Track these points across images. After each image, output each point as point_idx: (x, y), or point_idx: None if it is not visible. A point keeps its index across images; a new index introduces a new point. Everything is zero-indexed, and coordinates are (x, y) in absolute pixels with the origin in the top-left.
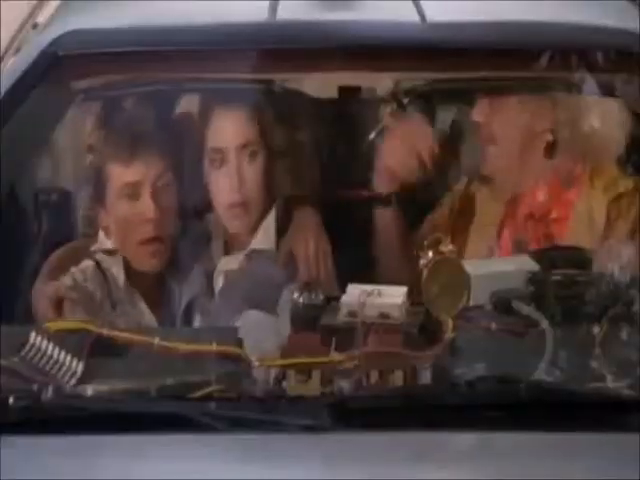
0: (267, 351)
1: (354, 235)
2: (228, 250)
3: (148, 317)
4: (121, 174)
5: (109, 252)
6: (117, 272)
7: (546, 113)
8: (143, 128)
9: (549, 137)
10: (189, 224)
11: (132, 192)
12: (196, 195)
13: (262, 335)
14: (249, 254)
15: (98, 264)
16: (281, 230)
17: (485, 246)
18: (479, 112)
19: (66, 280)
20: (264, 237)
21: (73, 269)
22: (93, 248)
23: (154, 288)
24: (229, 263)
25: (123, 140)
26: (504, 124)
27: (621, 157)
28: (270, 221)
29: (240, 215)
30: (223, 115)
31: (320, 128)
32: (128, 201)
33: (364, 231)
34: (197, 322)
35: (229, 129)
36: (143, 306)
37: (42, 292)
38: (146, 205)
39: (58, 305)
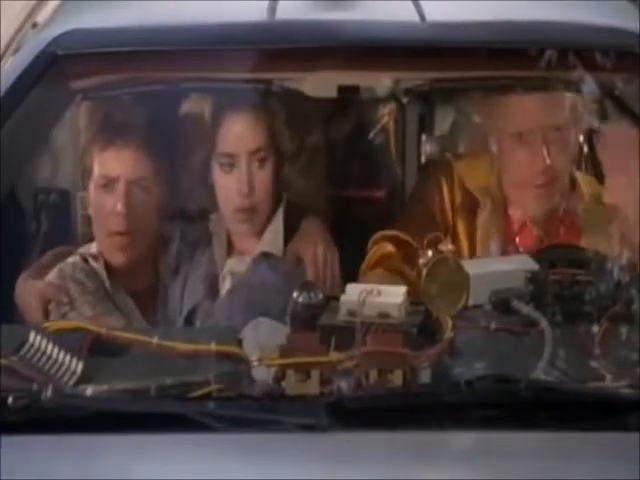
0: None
1: (358, 236)
2: (230, 252)
3: (139, 319)
4: (103, 164)
5: (93, 256)
6: (102, 275)
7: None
8: (134, 124)
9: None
10: (187, 226)
11: (109, 183)
12: (193, 197)
13: (271, 342)
14: (257, 257)
15: (86, 260)
16: (288, 233)
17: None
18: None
19: (53, 274)
20: (271, 240)
21: (60, 263)
22: (79, 250)
23: (148, 292)
24: (236, 265)
25: (115, 134)
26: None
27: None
28: (277, 224)
29: (247, 219)
30: (228, 119)
31: (321, 128)
32: (105, 191)
33: (364, 231)
34: (201, 323)
35: (239, 134)
36: (133, 309)
37: (27, 291)
38: (118, 198)
39: (45, 304)
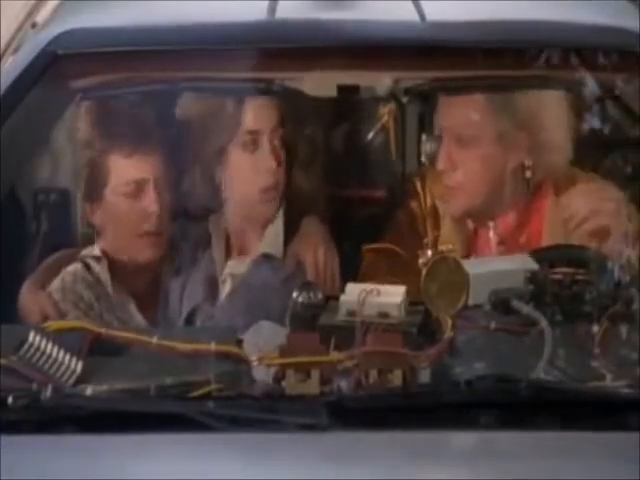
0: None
1: (354, 235)
2: (231, 253)
3: (140, 321)
4: (124, 170)
5: (96, 258)
6: (104, 277)
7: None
8: (145, 125)
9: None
10: (189, 227)
11: (135, 188)
12: (198, 197)
13: (272, 345)
14: (258, 259)
15: (87, 266)
16: (287, 233)
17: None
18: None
19: (55, 284)
20: (272, 240)
21: (63, 272)
22: (81, 254)
23: (149, 293)
24: (236, 267)
25: (126, 137)
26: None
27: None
28: (278, 224)
29: (271, 199)
30: (247, 102)
31: (321, 128)
32: (130, 196)
33: (364, 231)
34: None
35: (261, 110)
36: (134, 311)
37: (28, 304)
38: (149, 200)
39: (45, 314)
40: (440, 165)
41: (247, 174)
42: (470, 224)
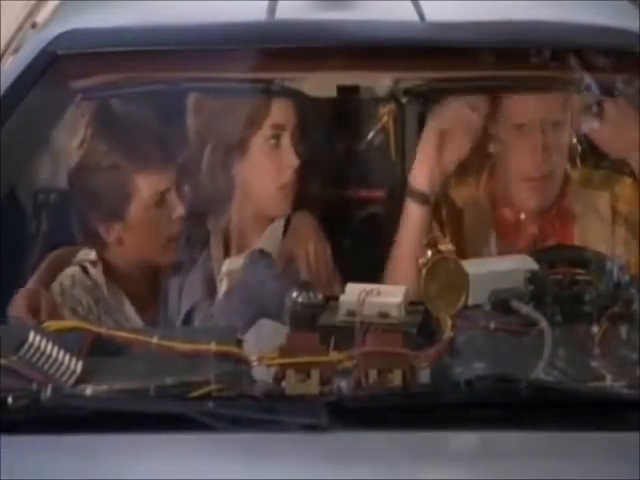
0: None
1: (354, 235)
2: (229, 251)
3: (138, 323)
4: (146, 184)
5: (92, 262)
6: (101, 281)
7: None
8: (155, 131)
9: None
10: (190, 224)
11: (159, 198)
12: (210, 192)
13: (273, 343)
14: (253, 255)
15: (85, 269)
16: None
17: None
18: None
19: (53, 288)
20: (271, 238)
21: (60, 275)
22: (77, 259)
23: (147, 295)
24: (232, 264)
25: (140, 149)
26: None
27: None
28: (279, 223)
29: (286, 196)
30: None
31: (320, 128)
32: (155, 206)
33: (364, 231)
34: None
35: (285, 105)
36: (133, 313)
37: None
38: (173, 206)
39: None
40: (533, 154)
41: (267, 170)
42: (510, 217)
